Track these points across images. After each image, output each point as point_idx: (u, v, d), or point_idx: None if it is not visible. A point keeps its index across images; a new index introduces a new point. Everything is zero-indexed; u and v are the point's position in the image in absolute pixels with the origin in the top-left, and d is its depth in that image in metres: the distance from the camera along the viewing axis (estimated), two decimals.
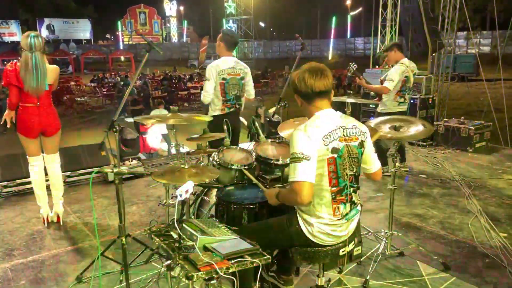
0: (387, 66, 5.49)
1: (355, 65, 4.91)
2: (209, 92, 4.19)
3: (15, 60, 3.83)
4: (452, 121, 7.03)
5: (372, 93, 6.95)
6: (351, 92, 3.73)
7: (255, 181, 2.85)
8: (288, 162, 2.92)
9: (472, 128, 6.65)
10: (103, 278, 3.13)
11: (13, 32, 45.18)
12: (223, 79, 4.19)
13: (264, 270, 2.87)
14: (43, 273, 3.29)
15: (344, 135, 2.27)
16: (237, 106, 4.37)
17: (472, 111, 10.63)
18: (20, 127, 3.87)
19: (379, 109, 5.42)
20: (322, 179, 2.22)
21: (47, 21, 45.28)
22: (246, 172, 2.93)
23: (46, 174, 4.13)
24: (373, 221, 4.12)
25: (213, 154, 3.15)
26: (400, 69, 5.18)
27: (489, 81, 9.27)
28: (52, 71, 3.87)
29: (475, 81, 19.21)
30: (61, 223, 4.14)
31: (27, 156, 4.04)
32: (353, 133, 2.31)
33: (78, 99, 18.73)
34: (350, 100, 3.63)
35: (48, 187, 4.16)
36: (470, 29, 9.74)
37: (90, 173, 5.31)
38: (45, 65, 3.78)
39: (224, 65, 4.21)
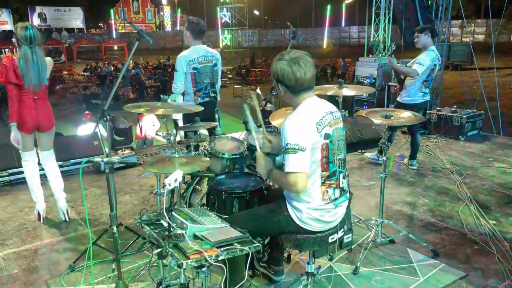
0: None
1: (394, 46, 4.80)
2: (177, 84, 4.16)
3: (9, 53, 3.72)
4: (445, 110, 7.06)
5: (369, 80, 6.92)
6: (342, 81, 3.72)
7: (260, 118, 2.69)
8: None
9: (464, 116, 6.68)
10: (96, 266, 3.14)
11: (4, 20, 44.50)
12: (194, 68, 4.15)
13: (255, 260, 2.90)
14: (36, 262, 3.31)
15: (332, 119, 2.29)
16: (211, 95, 4.32)
17: (466, 99, 10.68)
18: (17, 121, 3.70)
19: (401, 99, 5.12)
20: (314, 165, 2.23)
21: (38, 9, 44.59)
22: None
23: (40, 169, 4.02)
24: (365, 209, 4.16)
25: (204, 143, 3.15)
26: (431, 56, 4.93)
27: (483, 69, 9.30)
28: (49, 65, 3.75)
29: (469, 70, 19.27)
30: (69, 219, 4.00)
31: (20, 151, 3.88)
32: (337, 116, 2.35)
33: (71, 88, 18.57)
34: (349, 93, 3.63)
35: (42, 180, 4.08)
36: (463, 18, 9.72)
37: (86, 162, 5.28)
38: (44, 60, 3.65)
39: (194, 55, 4.16)
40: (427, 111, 7.17)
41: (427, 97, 5.15)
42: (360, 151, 6.12)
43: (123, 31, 45.54)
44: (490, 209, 4.18)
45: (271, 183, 2.98)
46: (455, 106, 7.09)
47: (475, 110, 7.02)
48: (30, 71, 3.55)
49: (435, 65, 4.98)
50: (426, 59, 4.88)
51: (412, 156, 5.43)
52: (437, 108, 7.24)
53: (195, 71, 4.16)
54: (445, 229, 3.79)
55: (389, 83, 8.31)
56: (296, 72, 2.18)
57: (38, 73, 3.59)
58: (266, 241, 2.93)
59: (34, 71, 3.56)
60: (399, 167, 5.54)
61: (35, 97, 3.71)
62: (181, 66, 4.12)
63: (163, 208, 2.15)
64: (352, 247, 3.36)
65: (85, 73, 22.37)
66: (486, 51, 9.51)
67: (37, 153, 3.98)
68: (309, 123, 2.18)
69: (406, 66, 5.14)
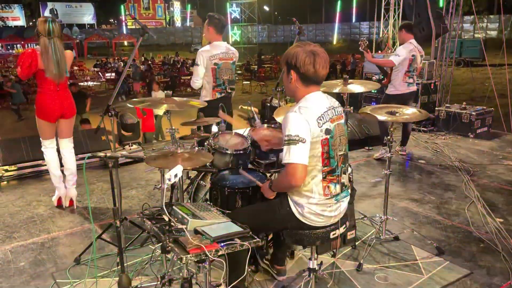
0: (389, 51, 5.55)
1: (366, 40, 5.09)
2: (198, 78, 4.21)
3: (32, 47, 3.84)
4: (454, 107, 6.99)
5: (377, 76, 6.96)
6: (347, 77, 3.69)
7: (253, 179, 2.75)
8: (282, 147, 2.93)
9: (474, 113, 6.60)
10: (100, 260, 3.19)
11: (16, 16, 45.01)
12: (215, 64, 4.18)
13: (259, 257, 2.91)
14: (43, 255, 3.35)
15: (334, 114, 2.28)
16: (229, 91, 4.33)
17: (477, 96, 10.55)
18: (41, 112, 3.88)
19: (388, 91, 5.48)
20: (315, 159, 2.22)
21: (50, 5, 45.01)
22: (243, 172, 2.87)
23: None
24: (370, 206, 4.14)
25: (208, 139, 3.16)
26: (408, 47, 5.27)
27: (494, 66, 9.16)
28: (69, 57, 3.90)
29: (481, 66, 19.02)
30: (75, 207, 4.17)
31: (41, 139, 4.04)
32: (339, 112, 2.34)
33: (81, 84, 18.75)
34: (354, 89, 3.61)
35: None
36: (475, 13, 9.58)
37: (90, 157, 5.33)
38: (63, 51, 3.79)
39: (216, 50, 4.18)
40: (436, 108, 7.11)
41: (413, 87, 5.46)
42: (367, 147, 6.09)
43: (133, 27, 45.74)
44: (498, 207, 4.14)
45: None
46: (464, 103, 7.01)
47: (484, 107, 6.93)
48: (50, 61, 3.69)
49: (413, 55, 5.29)
50: (403, 51, 5.25)
51: (403, 143, 5.75)
52: (446, 105, 7.16)
53: (216, 67, 4.19)
54: (451, 226, 3.76)
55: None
56: (315, 63, 2.19)
57: (57, 63, 3.73)
58: (270, 237, 2.93)
59: (54, 61, 3.70)
60: (407, 164, 5.51)
61: (58, 89, 3.86)
62: (202, 61, 4.15)
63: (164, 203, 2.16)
64: (356, 243, 3.35)
65: (95, 69, 22.55)
66: (499, 48, 9.38)
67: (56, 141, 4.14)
68: (310, 117, 2.18)
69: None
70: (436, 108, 7.10)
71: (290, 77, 2.27)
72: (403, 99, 5.23)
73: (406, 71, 5.30)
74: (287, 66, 2.28)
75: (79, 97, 9.72)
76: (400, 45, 5.48)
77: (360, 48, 5.08)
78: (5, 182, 4.97)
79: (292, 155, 2.14)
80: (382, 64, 5.54)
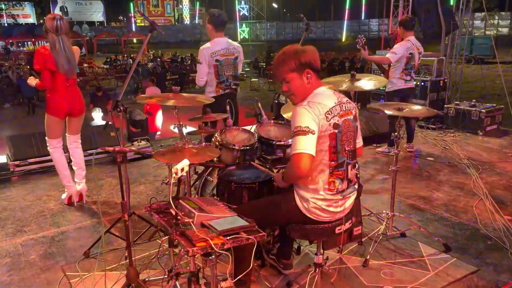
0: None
1: (363, 37, 5.00)
2: (201, 75, 4.22)
3: (43, 44, 3.91)
4: (463, 104, 6.93)
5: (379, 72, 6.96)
6: (355, 72, 3.67)
7: (265, 169, 2.81)
8: (290, 143, 2.95)
9: (483, 111, 6.55)
10: (109, 254, 3.23)
11: (27, 13, 45.41)
12: (217, 61, 4.18)
13: (264, 252, 2.93)
14: (53, 248, 3.41)
15: (342, 110, 2.29)
16: (233, 87, 4.35)
17: (487, 94, 10.46)
18: (51, 108, 3.93)
19: (387, 89, 5.54)
20: (322, 154, 2.24)
21: (60, 2, 45.32)
22: (255, 164, 2.88)
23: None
24: (377, 203, 4.14)
25: (215, 135, 3.18)
26: (405, 45, 5.28)
27: (505, 63, 9.05)
28: (76, 53, 3.98)
29: (492, 64, 18.80)
30: (84, 201, 4.23)
31: (47, 138, 4.07)
32: (348, 108, 2.34)
33: (91, 81, 18.86)
34: (362, 84, 3.59)
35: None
36: (485, 10, 9.45)
37: (98, 153, 5.38)
38: (71, 47, 3.87)
39: (216, 47, 4.19)
40: (445, 105, 7.06)
41: (411, 84, 5.48)
42: (374, 145, 6.07)
43: (142, 24, 45.91)
44: (506, 204, 4.11)
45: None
46: (474, 100, 6.96)
47: (494, 105, 6.87)
48: (60, 57, 3.76)
49: (411, 53, 5.30)
50: (400, 48, 5.27)
51: (409, 140, 5.77)
52: (456, 102, 7.11)
53: (217, 63, 4.20)
54: (458, 224, 3.74)
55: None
56: (317, 56, 2.30)
57: (67, 59, 3.80)
58: (276, 233, 2.95)
59: (63, 56, 3.77)
60: (415, 162, 5.48)
61: (67, 85, 3.93)
62: (204, 58, 4.16)
63: (172, 196, 2.19)
64: (362, 240, 3.35)
65: (105, 66, 22.67)
66: (510, 45, 9.27)
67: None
68: (319, 111, 2.20)
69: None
70: (445, 106, 7.05)
71: (307, 76, 2.27)
72: (403, 94, 5.35)
73: (404, 68, 5.34)
74: (301, 67, 2.26)
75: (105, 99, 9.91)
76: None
77: (357, 45, 5.00)
78: (16, 177, 5.04)
79: (299, 145, 2.15)
80: (378, 62, 5.58)
